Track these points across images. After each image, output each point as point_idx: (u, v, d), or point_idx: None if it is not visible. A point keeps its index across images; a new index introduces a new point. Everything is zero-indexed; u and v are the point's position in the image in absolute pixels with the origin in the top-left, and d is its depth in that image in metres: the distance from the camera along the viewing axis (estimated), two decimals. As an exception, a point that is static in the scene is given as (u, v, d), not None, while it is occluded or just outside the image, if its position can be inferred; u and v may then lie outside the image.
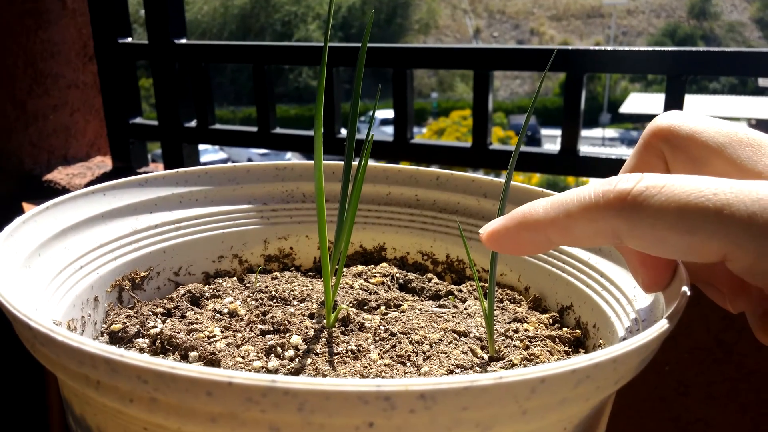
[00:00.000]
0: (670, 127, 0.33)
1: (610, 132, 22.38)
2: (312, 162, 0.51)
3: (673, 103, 1.02)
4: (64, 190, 1.34)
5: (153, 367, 0.21)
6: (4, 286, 0.28)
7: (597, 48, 1.05)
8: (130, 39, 1.32)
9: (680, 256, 0.27)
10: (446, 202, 0.50)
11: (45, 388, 0.99)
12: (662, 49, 1.02)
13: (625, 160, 1.22)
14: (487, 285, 0.47)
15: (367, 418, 0.21)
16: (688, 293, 0.29)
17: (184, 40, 1.27)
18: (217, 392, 0.21)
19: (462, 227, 0.48)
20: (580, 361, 0.22)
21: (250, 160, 15.12)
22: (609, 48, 1.05)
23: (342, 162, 0.47)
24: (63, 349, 0.23)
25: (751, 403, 0.84)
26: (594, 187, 0.29)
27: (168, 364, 0.21)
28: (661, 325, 0.26)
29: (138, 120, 1.37)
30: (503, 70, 1.13)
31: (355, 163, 0.43)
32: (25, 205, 1.16)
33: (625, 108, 18.36)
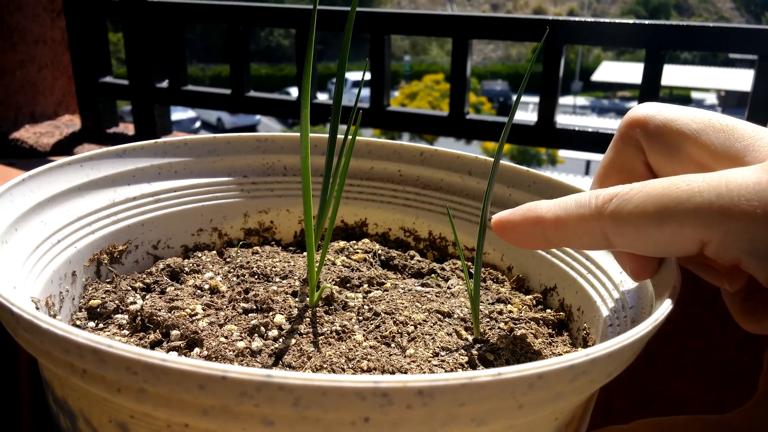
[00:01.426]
0: (645, 116, 0.34)
1: (581, 100, 22.49)
2: (294, 134, 0.50)
3: (652, 76, 1.03)
4: (32, 149, 1.31)
5: (143, 359, 0.21)
6: (-18, 267, 0.27)
7: (578, 19, 1.04)
8: (100, -5, 1.28)
9: (661, 250, 0.29)
10: (430, 178, 0.49)
11: (15, 356, 0.98)
12: (643, 22, 1.02)
13: (599, 132, 1.21)
14: (470, 264, 0.47)
15: (363, 414, 0.21)
16: (678, 287, 0.30)
17: (156, -2, 1.23)
18: (210, 386, 0.21)
19: (446, 205, 0.48)
20: (577, 356, 0.22)
21: (219, 119, 14.90)
22: (590, 20, 1.04)
23: (325, 135, 0.46)
24: (48, 337, 0.22)
25: (717, 377, 0.86)
26: (590, 192, 0.31)
27: (159, 356, 0.21)
28: (655, 319, 0.26)
29: (108, 79, 1.33)
30: (483, 38, 1.12)
31: (339, 136, 0.42)
32: (-9, 164, 1.12)
33: (597, 76, 18.44)
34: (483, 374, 0.21)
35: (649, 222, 0.28)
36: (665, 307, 0.28)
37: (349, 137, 0.39)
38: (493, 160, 0.47)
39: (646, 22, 1.02)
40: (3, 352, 0.57)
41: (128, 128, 1.39)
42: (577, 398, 0.27)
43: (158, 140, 0.45)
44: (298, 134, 0.50)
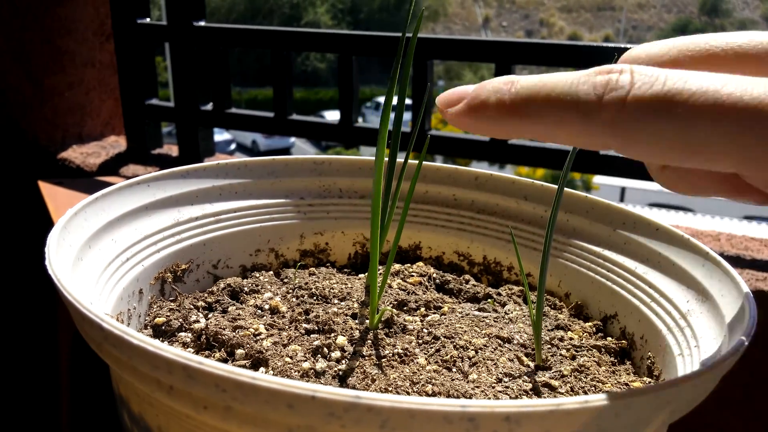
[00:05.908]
0: None
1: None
2: (349, 158, 0.50)
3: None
4: (78, 169, 1.34)
5: (233, 377, 0.21)
6: (68, 283, 0.27)
7: (623, 45, 1.04)
8: (148, 20, 1.31)
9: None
10: (485, 203, 0.49)
11: (56, 330, 0.99)
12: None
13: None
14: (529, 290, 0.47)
15: (448, 437, 0.21)
16: (756, 316, 0.29)
17: (203, 23, 1.26)
18: (298, 405, 0.21)
19: (509, 230, 0.48)
20: (664, 385, 0.22)
21: (254, 141, 15.08)
22: (629, 46, 1.04)
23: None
24: (137, 353, 0.23)
25: (765, 410, 0.84)
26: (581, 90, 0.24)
27: (249, 374, 0.21)
28: (739, 345, 0.26)
29: (154, 101, 1.36)
30: (526, 64, 1.12)
31: (399, 159, 0.42)
32: (41, 183, 1.15)
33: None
34: (570, 401, 0.21)
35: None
36: (747, 331, 0.27)
37: (412, 162, 0.40)
38: (547, 185, 0.47)
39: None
40: (44, 365, 0.59)
41: (172, 149, 1.42)
42: (659, 428, 0.26)
43: (220, 162, 0.46)
44: (354, 157, 0.50)
